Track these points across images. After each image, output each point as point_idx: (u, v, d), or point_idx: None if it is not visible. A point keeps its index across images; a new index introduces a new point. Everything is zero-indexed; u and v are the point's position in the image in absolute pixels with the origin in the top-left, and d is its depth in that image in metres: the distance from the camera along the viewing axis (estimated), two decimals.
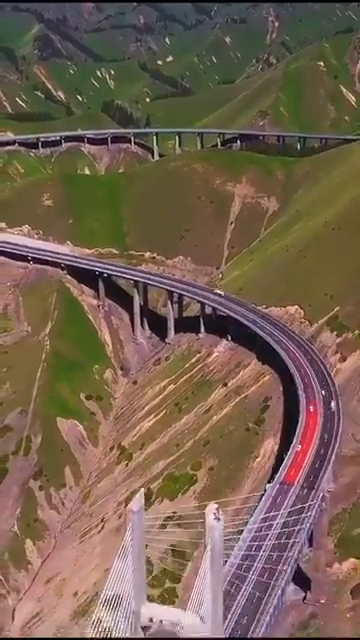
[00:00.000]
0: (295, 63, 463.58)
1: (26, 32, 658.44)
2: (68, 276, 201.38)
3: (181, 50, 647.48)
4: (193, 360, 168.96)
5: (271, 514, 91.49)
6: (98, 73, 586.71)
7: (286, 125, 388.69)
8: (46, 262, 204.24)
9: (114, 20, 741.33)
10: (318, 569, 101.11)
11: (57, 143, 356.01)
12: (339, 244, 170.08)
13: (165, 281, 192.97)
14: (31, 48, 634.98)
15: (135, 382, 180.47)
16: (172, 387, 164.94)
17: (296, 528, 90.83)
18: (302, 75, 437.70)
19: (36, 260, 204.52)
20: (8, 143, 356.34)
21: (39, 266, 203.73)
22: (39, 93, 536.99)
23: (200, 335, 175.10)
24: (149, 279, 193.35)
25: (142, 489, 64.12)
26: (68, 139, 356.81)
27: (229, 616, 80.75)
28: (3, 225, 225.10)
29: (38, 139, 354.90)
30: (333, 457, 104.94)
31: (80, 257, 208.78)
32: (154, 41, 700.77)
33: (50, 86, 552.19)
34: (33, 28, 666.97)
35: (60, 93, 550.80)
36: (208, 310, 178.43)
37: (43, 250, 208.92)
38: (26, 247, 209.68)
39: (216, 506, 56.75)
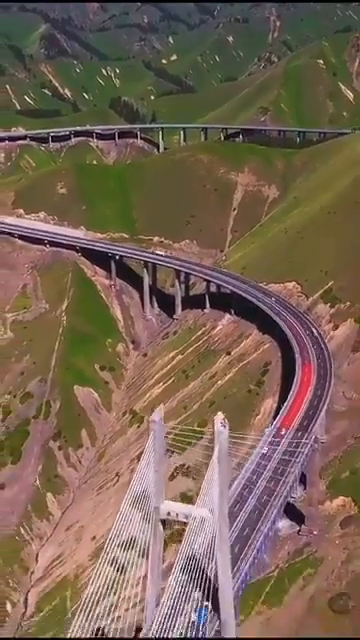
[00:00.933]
0: (295, 61, 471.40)
1: (33, 31, 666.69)
2: (82, 258, 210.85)
3: (185, 49, 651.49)
4: (199, 333, 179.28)
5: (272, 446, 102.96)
6: (103, 71, 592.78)
7: (287, 120, 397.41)
8: (61, 245, 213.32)
9: (118, 20, 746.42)
10: (311, 505, 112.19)
11: (66, 138, 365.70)
12: (333, 226, 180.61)
13: (173, 261, 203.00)
14: (38, 47, 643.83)
15: (145, 354, 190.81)
16: (179, 357, 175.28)
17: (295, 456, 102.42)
18: (302, 72, 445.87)
19: (52, 243, 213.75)
20: (20, 138, 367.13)
21: (55, 249, 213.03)
22: (46, 91, 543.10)
23: (205, 311, 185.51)
24: (158, 260, 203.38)
25: (162, 404, 74.98)
26: (77, 134, 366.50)
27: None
28: (21, 211, 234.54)
29: (48, 134, 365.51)
30: (325, 407, 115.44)
31: (93, 240, 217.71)
32: (158, 40, 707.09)
33: (57, 84, 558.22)
34: (39, 28, 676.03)
35: (67, 91, 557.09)
36: (213, 288, 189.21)
37: (59, 234, 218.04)
38: (43, 231, 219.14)
39: (222, 416, 67.63)
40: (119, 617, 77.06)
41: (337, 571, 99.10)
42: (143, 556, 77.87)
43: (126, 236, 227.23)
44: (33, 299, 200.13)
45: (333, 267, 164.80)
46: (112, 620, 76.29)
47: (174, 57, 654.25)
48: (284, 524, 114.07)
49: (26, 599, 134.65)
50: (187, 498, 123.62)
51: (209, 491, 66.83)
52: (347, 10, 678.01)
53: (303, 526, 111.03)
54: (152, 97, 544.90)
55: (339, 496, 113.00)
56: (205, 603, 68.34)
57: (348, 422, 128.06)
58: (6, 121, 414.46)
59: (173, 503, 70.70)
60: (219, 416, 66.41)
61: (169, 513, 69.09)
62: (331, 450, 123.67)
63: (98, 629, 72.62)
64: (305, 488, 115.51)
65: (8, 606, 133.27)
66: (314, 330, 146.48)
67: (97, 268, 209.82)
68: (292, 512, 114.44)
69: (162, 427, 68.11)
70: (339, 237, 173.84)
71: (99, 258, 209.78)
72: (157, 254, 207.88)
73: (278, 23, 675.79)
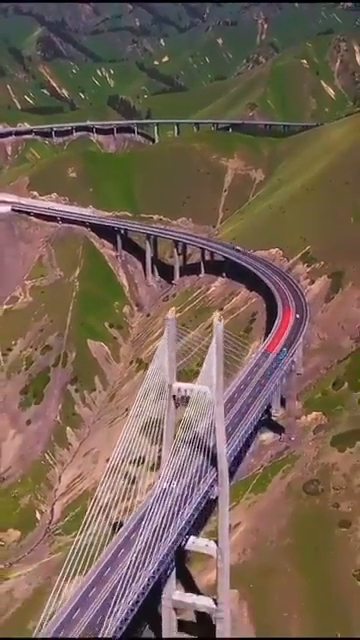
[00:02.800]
0: (281, 61, 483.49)
1: (29, 34, 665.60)
2: (91, 232, 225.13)
3: (176, 51, 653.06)
4: (195, 294, 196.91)
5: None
6: (98, 72, 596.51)
7: (273, 115, 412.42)
8: (72, 222, 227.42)
9: (111, 23, 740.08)
10: (290, 417, 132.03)
11: (68, 133, 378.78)
12: (311, 200, 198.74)
13: (172, 233, 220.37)
14: (34, 49, 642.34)
15: (148, 315, 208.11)
16: (178, 315, 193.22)
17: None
18: (287, 71, 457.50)
19: (64, 220, 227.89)
20: (25, 132, 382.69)
21: (67, 225, 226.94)
22: (45, 91, 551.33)
23: (200, 276, 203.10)
24: (158, 232, 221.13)
25: (173, 307, 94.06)
26: (78, 129, 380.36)
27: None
28: (35, 193, 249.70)
29: (52, 129, 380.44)
30: (301, 338, 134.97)
31: (100, 217, 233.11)
32: (149, 42, 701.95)
33: (55, 84, 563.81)
34: (36, 30, 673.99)
35: (64, 91, 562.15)
36: (207, 257, 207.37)
37: (70, 212, 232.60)
38: (55, 210, 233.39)
39: (219, 314, 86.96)
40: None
41: (310, 464, 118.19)
42: (152, 469, 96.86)
43: (129, 214, 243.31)
44: (48, 268, 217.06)
45: (310, 234, 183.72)
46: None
47: (166, 58, 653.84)
48: (268, 436, 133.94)
49: (52, 509, 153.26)
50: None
51: (209, 372, 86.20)
52: (331, 13, 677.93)
53: (283, 434, 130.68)
54: (145, 96, 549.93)
55: (312, 412, 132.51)
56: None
57: (320, 357, 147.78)
58: (12, 117, 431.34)
59: (182, 383, 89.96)
60: (216, 314, 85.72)
61: (179, 389, 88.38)
62: (307, 379, 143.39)
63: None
64: (285, 408, 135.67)
65: (37, 514, 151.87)
66: (293, 284, 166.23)
67: (104, 241, 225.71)
68: (274, 427, 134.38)
69: (174, 324, 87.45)
70: (315, 210, 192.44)
71: (106, 233, 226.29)
72: (158, 227, 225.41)
73: (265, 26, 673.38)
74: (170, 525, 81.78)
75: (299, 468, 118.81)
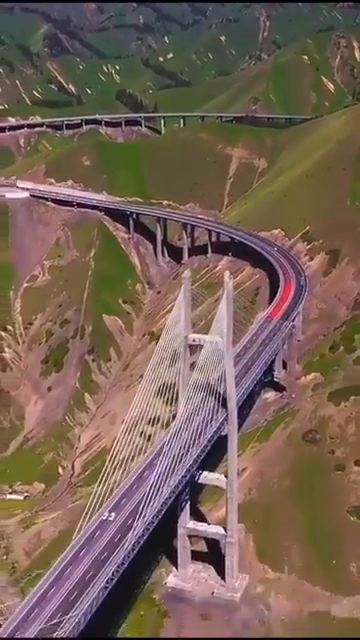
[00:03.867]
0: (282, 57, 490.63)
1: (36, 31, 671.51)
2: (105, 216, 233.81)
3: (180, 48, 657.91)
4: (202, 272, 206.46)
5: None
6: (104, 68, 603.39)
7: (275, 109, 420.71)
8: (87, 206, 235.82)
9: (116, 20, 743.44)
10: (291, 377, 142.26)
11: (78, 125, 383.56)
12: (311, 185, 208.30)
13: (181, 216, 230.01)
14: (41, 46, 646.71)
15: (159, 292, 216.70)
16: None
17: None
18: (288, 67, 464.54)
19: (80, 205, 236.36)
20: (37, 125, 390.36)
21: (82, 209, 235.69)
22: (53, 86, 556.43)
23: (208, 256, 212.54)
24: (169, 215, 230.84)
25: (189, 269, 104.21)
26: (88, 122, 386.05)
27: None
28: (52, 180, 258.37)
29: (62, 122, 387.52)
30: (301, 306, 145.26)
31: (114, 202, 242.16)
32: (154, 40, 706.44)
33: (62, 80, 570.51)
34: (42, 28, 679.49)
35: (71, 86, 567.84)
36: (214, 238, 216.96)
37: (84, 197, 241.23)
38: (71, 195, 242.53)
39: (229, 273, 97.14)
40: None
41: (308, 416, 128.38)
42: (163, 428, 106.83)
43: (140, 200, 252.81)
44: (65, 249, 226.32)
45: (310, 216, 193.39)
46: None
47: (170, 55, 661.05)
48: (271, 394, 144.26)
49: (73, 465, 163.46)
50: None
51: (220, 323, 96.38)
52: (332, 11, 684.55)
53: (285, 392, 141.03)
54: (150, 91, 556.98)
55: (311, 373, 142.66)
56: None
57: (318, 325, 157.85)
58: (24, 111, 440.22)
59: (196, 334, 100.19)
60: (227, 273, 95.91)
61: (194, 340, 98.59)
62: (306, 345, 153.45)
63: None
64: (287, 371, 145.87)
65: (60, 470, 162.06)
66: (294, 261, 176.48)
67: (117, 225, 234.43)
68: (276, 387, 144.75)
69: (189, 282, 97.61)
70: (315, 193, 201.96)
71: (119, 216, 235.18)
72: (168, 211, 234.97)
73: (268, 23, 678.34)
74: (187, 453, 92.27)
75: (299, 420, 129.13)
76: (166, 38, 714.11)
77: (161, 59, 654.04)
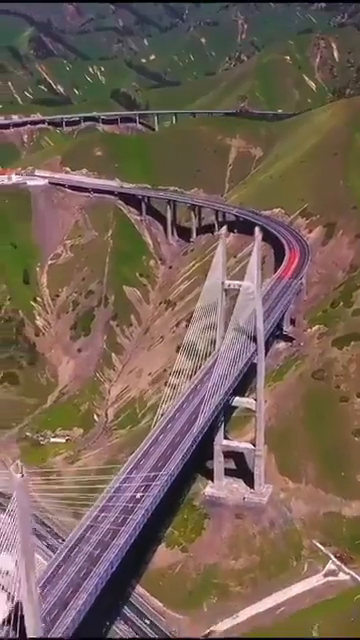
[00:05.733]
0: (266, 57, 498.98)
1: (21, 33, 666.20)
2: (119, 200, 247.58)
3: (160, 49, 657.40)
4: (210, 248, 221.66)
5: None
6: (90, 70, 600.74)
7: (261, 106, 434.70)
8: (103, 192, 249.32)
9: (96, 23, 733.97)
10: (298, 329, 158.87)
11: (77, 122, 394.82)
12: (305, 169, 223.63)
13: (188, 199, 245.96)
14: (27, 48, 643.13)
15: (170, 267, 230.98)
16: (198, 264, 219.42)
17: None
18: (272, 66, 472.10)
19: (95, 190, 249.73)
20: (39, 122, 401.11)
21: (98, 195, 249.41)
22: (43, 87, 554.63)
23: (215, 233, 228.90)
24: (177, 198, 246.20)
25: (225, 226, 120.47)
26: (86, 119, 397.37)
27: None
28: (68, 169, 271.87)
29: (62, 119, 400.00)
30: (306, 268, 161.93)
31: (127, 187, 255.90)
32: (134, 42, 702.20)
33: (50, 81, 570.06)
34: (26, 30, 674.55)
35: (59, 87, 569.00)
36: (220, 218, 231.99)
37: (99, 184, 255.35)
38: (87, 182, 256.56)
39: (259, 228, 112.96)
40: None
41: (316, 359, 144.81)
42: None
43: (148, 186, 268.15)
44: (85, 230, 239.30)
45: (306, 195, 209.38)
46: None
47: (153, 57, 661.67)
48: (281, 345, 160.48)
49: (106, 413, 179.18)
50: None
51: (251, 271, 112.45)
52: (306, 13, 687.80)
53: (294, 342, 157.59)
54: (137, 91, 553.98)
55: (316, 325, 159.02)
56: None
57: (319, 287, 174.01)
58: (25, 109, 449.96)
59: (230, 280, 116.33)
60: (257, 229, 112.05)
61: (230, 285, 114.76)
62: (310, 303, 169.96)
63: None
64: (294, 325, 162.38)
65: (95, 417, 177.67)
66: (295, 233, 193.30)
67: (131, 208, 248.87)
68: (286, 338, 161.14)
69: (224, 238, 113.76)
70: (310, 176, 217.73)
71: (132, 200, 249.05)
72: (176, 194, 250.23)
73: (245, 26, 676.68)
74: (230, 374, 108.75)
75: (308, 363, 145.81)
76: (145, 40, 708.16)
77: (144, 60, 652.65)
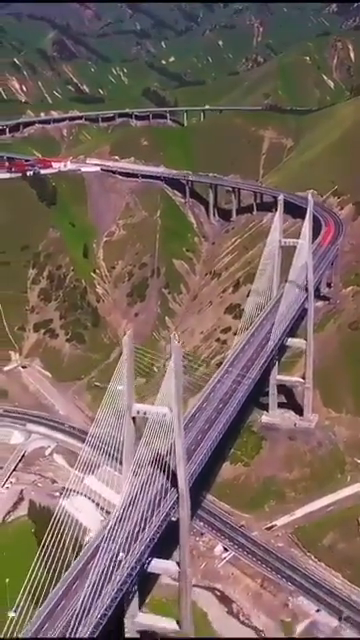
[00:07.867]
0: (287, 58, 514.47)
1: (44, 36, 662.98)
2: (165, 185, 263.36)
3: (178, 52, 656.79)
4: (250, 225, 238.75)
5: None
6: (113, 71, 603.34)
7: (284, 103, 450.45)
8: (150, 177, 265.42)
9: (115, 27, 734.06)
10: (334, 289, 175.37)
11: (112, 118, 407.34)
12: (334, 155, 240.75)
13: (229, 182, 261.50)
14: (52, 50, 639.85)
15: (213, 243, 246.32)
16: (239, 240, 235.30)
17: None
18: (293, 67, 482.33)
19: (143, 176, 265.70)
20: (77, 118, 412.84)
21: (146, 180, 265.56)
22: (70, 87, 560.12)
23: (254, 213, 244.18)
24: (219, 182, 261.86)
25: (281, 194, 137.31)
26: (120, 115, 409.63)
27: None
28: (117, 157, 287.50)
29: (98, 116, 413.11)
30: (341, 238, 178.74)
31: (172, 173, 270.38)
32: (152, 45, 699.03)
33: (77, 81, 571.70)
34: (49, 34, 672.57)
35: (85, 87, 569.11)
36: (258, 200, 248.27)
37: (147, 170, 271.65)
38: (136, 169, 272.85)
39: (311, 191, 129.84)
40: None
41: (352, 312, 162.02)
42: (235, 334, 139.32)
43: (190, 172, 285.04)
44: (136, 210, 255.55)
45: (336, 178, 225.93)
46: None
47: (172, 59, 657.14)
48: (320, 304, 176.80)
49: (164, 365, 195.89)
50: None
51: (303, 232, 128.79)
52: (319, 16, 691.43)
53: (331, 300, 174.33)
54: (165, 90, 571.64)
55: (350, 286, 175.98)
56: None
57: (351, 255, 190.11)
58: (64, 106, 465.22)
59: (286, 238, 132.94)
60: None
61: (285, 242, 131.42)
62: (343, 269, 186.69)
63: None
64: (330, 287, 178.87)
65: (155, 369, 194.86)
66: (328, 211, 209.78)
67: (176, 191, 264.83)
68: (323, 298, 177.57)
69: (282, 204, 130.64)
70: (337, 162, 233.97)
71: (177, 184, 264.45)
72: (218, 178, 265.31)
73: (261, 29, 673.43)
74: (289, 312, 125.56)
75: (344, 316, 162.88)
76: (163, 43, 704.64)
77: (164, 62, 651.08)
